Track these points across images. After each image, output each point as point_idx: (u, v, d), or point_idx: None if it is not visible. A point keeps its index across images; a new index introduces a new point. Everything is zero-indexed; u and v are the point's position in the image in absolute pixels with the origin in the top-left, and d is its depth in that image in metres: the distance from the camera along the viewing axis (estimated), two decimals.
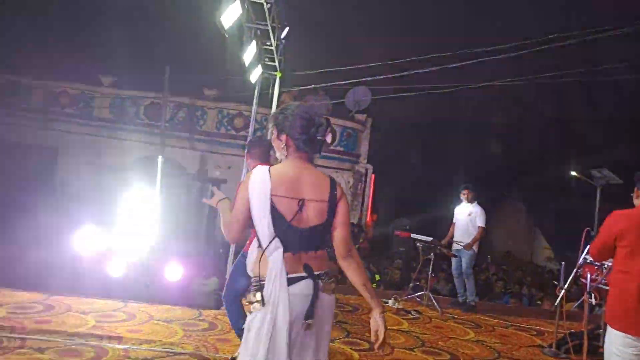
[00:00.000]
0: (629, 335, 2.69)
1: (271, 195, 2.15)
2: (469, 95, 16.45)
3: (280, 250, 2.14)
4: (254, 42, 6.35)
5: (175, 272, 8.01)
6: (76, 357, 3.57)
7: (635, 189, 2.88)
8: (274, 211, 2.14)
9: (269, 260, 2.14)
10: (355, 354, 4.47)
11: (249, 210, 2.19)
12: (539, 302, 9.30)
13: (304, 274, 2.17)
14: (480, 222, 6.99)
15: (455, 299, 7.33)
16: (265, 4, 5.64)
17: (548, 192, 18.32)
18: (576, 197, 17.33)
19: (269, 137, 2.37)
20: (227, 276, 5.45)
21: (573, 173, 13.14)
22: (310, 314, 2.15)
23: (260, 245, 2.18)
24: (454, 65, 7.62)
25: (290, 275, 2.14)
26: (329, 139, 2.35)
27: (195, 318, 5.09)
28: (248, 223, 2.22)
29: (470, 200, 7.12)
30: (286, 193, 2.18)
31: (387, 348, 2.32)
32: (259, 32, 6.45)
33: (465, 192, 7.16)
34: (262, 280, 2.14)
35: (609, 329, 2.83)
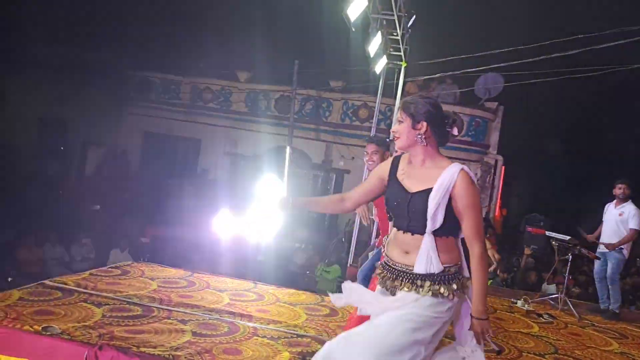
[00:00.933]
0: None
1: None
2: (620, 79, 14.63)
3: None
4: (379, 33, 6.37)
5: (300, 258, 8.47)
6: (213, 331, 3.94)
7: None
8: None
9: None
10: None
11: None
12: None
13: None
14: (634, 224, 6.20)
15: (596, 305, 6.64)
16: None
17: None
18: None
19: (395, 126, 2.36)
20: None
21: None
22: None
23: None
24: (603, 45, 6.80)
25: None
26: (455, 132, 2.29)
27: (318, 303, 5.29)
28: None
29: (624, 198, 6.35)
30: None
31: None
32: (384, 22, 6.45)
33: (621, 186, 6.37)
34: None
35: None
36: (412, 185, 2.30)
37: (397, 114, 8.22)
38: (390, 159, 2.50)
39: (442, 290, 2.24)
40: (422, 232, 2.25)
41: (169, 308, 4.33)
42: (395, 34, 6.65)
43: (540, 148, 18.12)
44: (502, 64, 7.92)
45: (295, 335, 4.11)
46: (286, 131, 13.10)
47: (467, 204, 2.18)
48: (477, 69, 8.58)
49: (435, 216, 2.19)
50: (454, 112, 2.34)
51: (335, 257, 8.99)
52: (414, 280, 2.27)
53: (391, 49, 7.29)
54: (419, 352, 2.21)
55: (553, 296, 6.63)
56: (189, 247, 8.76)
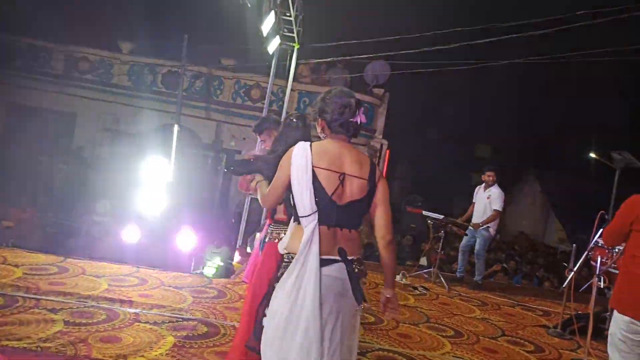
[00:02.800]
0: (636, 321, 2.69)
1: (313, 167, 2.21)
2: (491, 73, 16.12)
3: (316, 222, 2.18)
4: (272, 12, 6.30)
5: (187, 241, 8.22)
6: (88, 319, 3.69)
7: None
8: (316, 183, 2.20)
9: (305, 232, 2.17)
10: (360, 328, 4.53)
11: (288, 181, 2.26)
12: (547, 284, 9.29)
13: (337, 257, 2.21)
14: (497, 205, 6.93)
15: (454, 276, 7.34)
16: None
17: (565, 174, 18.05)
18: (594, 180, 17.07)
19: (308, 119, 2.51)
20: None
21: (592, 155, 12.87)
22: (359, 297, 2.22)
23: (296, 219, 2.25)
24: (478, 42, 7.42)
25: (324, 257, 2.17)
26: (359, 119, 2.36)
27: (205, 286, 5.20)
28: (284, 193, 2.34)
29: (491, 183, 7.05)
30: (328, 166, 2.24)
31: (393, 313, 2.38)
32: (278, 1, 6.38)
33: (490, 174, 7.06)
34: (293, 256, 2.21)
35: (615, 313, 2.83)
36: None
37: (288, 95, 8.16)
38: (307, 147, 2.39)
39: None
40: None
41: (37, 297, 3.97)
42: (288, 14, 6.63)
43: (421, 134, 19.42)
44: (390, 52, 8.29)
45: (180, 319, 4.01)
46: (174, 109, 12.50)
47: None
48: (367, 55, 8.89)
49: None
50: (357, 99, 2.37)
51: (224, 239, 8.87)
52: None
53: (285, 30, 7.26)
54: None
55: (427, 270, 7.20)
56: (62, 232, 8.07)
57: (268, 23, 6.45)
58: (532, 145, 18.20)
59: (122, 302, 4.19)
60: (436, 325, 5.00)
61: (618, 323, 2.78)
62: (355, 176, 2.25)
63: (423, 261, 9.12)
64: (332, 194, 2.20)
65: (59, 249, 6.11)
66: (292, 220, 2.31)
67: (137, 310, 4.03)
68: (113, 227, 7.90)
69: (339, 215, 2.21)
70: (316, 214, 2.18)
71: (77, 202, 10.07)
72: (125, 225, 7.85)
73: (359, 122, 2.34)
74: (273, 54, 8.10)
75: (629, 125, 17.40)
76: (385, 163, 13.68)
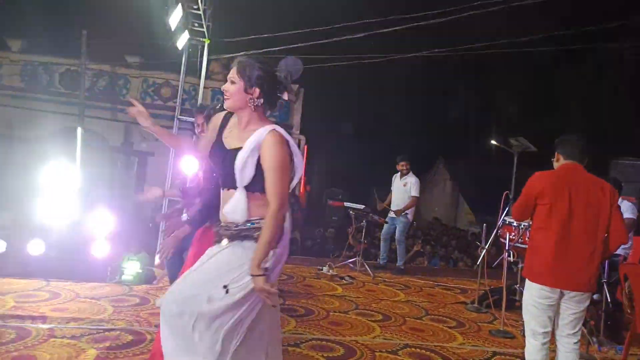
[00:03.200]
0: (545, 287, 2.93)
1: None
2: (399, 66, 16.83)
3: None
4: (179, 6, 6.06)
5: (101, 249, 7.70)
6: None
7: (556, 153, 3.10)
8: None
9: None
10: (293, 320, 4.54)
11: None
12: (462, 264, 9.89)
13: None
14: (414, 191, 7.24)
15: (377, 263, 7.58)
16: None
17: (471, 160, 19.33)
18: (495, 164, 18.46)
19: (227, 85, 2.27)
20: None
21: (493, 142, 13.87)
22: None
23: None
24: (384, 30, 7.68)
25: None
26: (286, 97, 2.36)
27: (125, 294, 4.92)
28: None
29: (406, 172, 7.35)
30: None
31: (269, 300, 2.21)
32: None
33: (403, 164, 7.36)
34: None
35: (527, 282, 3.06)
36: (231, 143, 2.30)
37: (202, 94, 7.86)
38: (222, 113, 2.43)
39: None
40: (236, 187, 2.25)
41: None
42: (196, 7, 6.41)
43: (336, 128, 19.82)
44: (301, 44, 8.32)
45: (101, 330, 3.75)
46: (75, 110, 11.65)
47: (269, 166, 2.18)
48: (279, 48, 8.86)
49: (243, 172, 2.20)
50: (285, 76, 2.34)
51: (141, 244, 8.43)
52: (221, 234, 2.31)
53: (194, 24, 7.02)
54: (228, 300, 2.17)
55: (352, 260, 7.37)
56: None
57: (175, 17, 6.20)
58: (440, 135, 19.27)
59: (33, 318, 3.84)
60: (365, 311, 5.13)
61: (530, 290, 3.02)
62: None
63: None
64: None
65: None
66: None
67: (52, 326, 3.71)
68: (16, 241, 7.18)
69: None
70: None
71: None
72: (30, 238, 7.18)
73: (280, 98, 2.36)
74: (183, 49, 7.82)
75: (522, 113, 18.99)
76: (304, 158, 13.78)
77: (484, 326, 5.00)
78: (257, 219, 2.23)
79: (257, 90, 2.23)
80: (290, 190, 2.27)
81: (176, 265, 3.71)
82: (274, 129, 2.21)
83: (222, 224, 2.32)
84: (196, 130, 3.85)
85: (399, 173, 7.43)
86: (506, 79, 19.39)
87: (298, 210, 12.93)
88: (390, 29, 8.09)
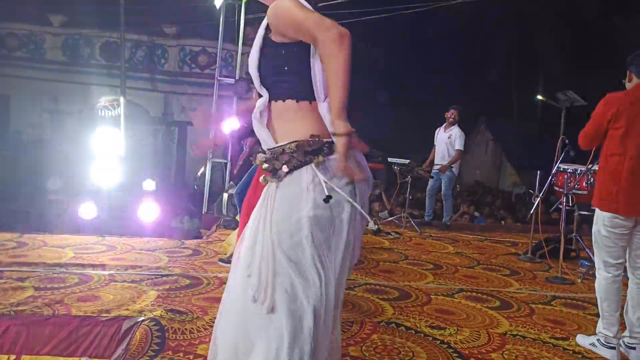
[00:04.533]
0: (618, 216, 2.76)
1: None
2: (437, 20, 16.27)
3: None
4: None
5: (150, 212, 7.89)
6: (59, 284, 3.46)
7: (628, 72, 2.86)
8: None
9: (324, 111, 1.65)
10: None
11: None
12: (509, 221, 9.65)
13: None
14: (459, 145, 7.02)
15: (422, 220, 7.42)
16: None
17: (514, 119, 18.68)
18: (540, 121, 17.78)
19: None
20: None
21: (539, 97, 13.34)
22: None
23: (311, 98, 1.68)
24: None
25: None
26: None
27: (178, 247, 5.01)
28: None
29: (453, 123, 7.11)
30: None
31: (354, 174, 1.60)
32: None
33: (453, 112, 7.12)
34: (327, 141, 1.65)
35: (597, 211, 2.90)
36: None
37: (240, 59, 7.77)
38: None
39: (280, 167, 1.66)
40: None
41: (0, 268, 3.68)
42: None
43: (372, 95, 19.48)
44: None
45: (159, 276, 3.83)
46: (117, 82, 11.81)
47: (283, 17, 1.61)
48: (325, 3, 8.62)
49: (251, 64, 1.73)
50: None
51: (187, 209, 8.62)
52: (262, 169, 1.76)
53: None
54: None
55: (397, 216, 7.27)
56: (14, 212, 7.56)
57: None
58: (481, 95, 18.64)
59: (93, 266, 3.96)
60: (415, 261, 5.06)
61: (602, 220, 2.85)
62: None
63: (384, 214, 9.14)
64: None
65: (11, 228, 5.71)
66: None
67: (112, 272, 3.82)
68: (68, 204, 7.45)
69: None
70: None
71: (24, 186, 9.46)
72: (81, 201, 7.42)
73: None
74: (220, 9, 7.73)
75: (567, 69, 18.10)
76: None
77: (539, 274, 4.85)
78: (292, 142, 1.66)
79: None
80: None
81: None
82: None
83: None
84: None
85: (444, 125, 7.20)
86: (549, 33, 18.48)
87: None
88: None
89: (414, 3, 9.24)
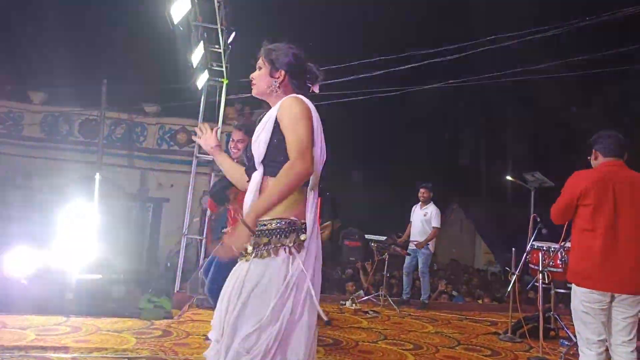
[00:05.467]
0: (594, 291, 2.78)
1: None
2: (409, 106, 17.11)
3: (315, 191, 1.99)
4: (201, 44, 6.23)
5: (119, 291, 7.61)
6: None
7: (593, 150, 3.02)
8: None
9: (309, 200, 1.94)
10: (321, 349, 4.35)
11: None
12: (486, 300, 9.57)
13: None
14: (435, 222, 7.11)
15: (401, 299, 7.32)
16: (215, 2, 5.54)
17: (487, 199, 19.16)
18: (511, 201, 18.29)
19: (254, 73, 2.12)
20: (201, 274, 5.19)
21: (509, 177, 13.80)
22: None
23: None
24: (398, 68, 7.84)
25: None
26: (316, 89, 2.19)
27: (147, 327, 4.77)
28: None
29: (426, 201, 7.25)
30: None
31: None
32: (205, 34, 6.35)
33: (422, 191, 7.28)
34: (303, 224, 1.90)
35: (574, 287, 2.92)
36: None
37: (219, 135, 7.92)
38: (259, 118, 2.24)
39: (265, 242, 1.88)
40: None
41: None
42: (217, 46, 6.60)
43: (348, 175, 19.87)
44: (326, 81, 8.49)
45: (126, 359, 3.61)
46: (93, 158, 11.85)
47: (286, 123, 1.92)
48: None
49: (257, 145, 1.98)
50: (317, 67, 2.16)
51: (158, 287, 8.33)
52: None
53: (213, 64, 7.20)
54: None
55: (375, 294, 7.15)
56: None
57: (197, 55, 6.37)
58: (454, 176, 19.21)
59: (55, 349, 3.72)
60: (394, 341, 4.92)
61: (579, 296, 2.87)
62: None
63: (360, 293, 8.98)
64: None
65: None
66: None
67: (75, 355, 3.59)
68: (33, 284, 7.10)
69: None
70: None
71: None
72: (50, 283, 7.11)
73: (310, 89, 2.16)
74: (201, 90, 7.98)
75: (533, 150, 19.00)
76: (319, 200, 13.72)
77: (520, 354, 4.76)
78: (275, 219, 1.89)
79: (283, 73, 2.07)
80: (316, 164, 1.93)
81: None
82: (293, 95, 2.00)
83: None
84: (229, 146, 3.86)
85: (419, 203, 7.33)
86: (515, 119, 19.58)
87: None
88: (404, 67, 8.25)
89: (387, 87, 9.76)
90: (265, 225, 1.90)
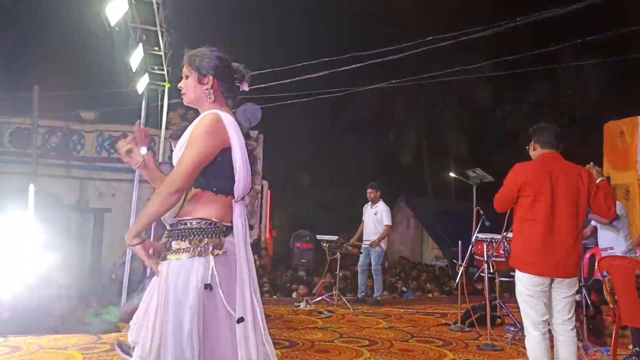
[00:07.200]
0: (535, 276, 2.94)
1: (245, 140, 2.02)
2: (354, 106, 17.39)
3: (243, 202, 2.02)
4: (140, 46, 6.02)
5: (60, 307, 7.18)
6: None
7: (532, 141, 3.19)
8: (250, 156, 2.03)
9: (235, 209, 1.98)
10: (278, 352, 4.31)
11: (212, 157, 1.95)
12: (436, 294, 9.86)
13: None
14: (387, 220, 7.23)
15: (356, 297, 7.40)
16: (154, 3, 5.38)
17: (431, 196, 19.75)
18: (454, 198, 18.97)
19: (182, 82, 2.11)
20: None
21: (452, 174, 14.32)
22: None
23: (226, 193, 1.98)
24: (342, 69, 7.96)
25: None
26: (245, 87, 2.17)
27: (94, 342, 4.57)
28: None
29: (375, 200, 7.36)
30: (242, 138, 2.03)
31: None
32: (144, 36, 6.14)
33: (369, 191, 7.38)
34: (224, 225, 1.96)
35: (518, 273, 3.06)
36: None
37: (163, 142, 7.78)
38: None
39: (176, 245, 1.92)
40: None
41: None
42: (157, 49, 6.40)
43: (297, 176, 19.91)
44: (262, 85, 8.44)
45: None
46: (27, 169, 11.17)
47: (189, 142, 1.95)
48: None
49: (176, 159, 2.01)
50: (243, 66, 2.15)
51: (103, 299, 7.95)
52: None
53: (154, 67, 6.98)
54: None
55: (329, 294, 7.19)
56: None
57: (136, 58, 6.15)
58: (399, 174, 19.67)
59: None
60: (350, 338, 4.97)
61: (522, 280, 3.01)
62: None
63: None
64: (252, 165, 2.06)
65: None
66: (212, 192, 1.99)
67: None
68: None
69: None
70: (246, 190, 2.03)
71: None
72: None
73: (239, 89, 2.14)
74: (142, 95, 7.72)
75: (472, 149, 19.80)
76: (268, 203, 13.66)
77: (470, 342, 4.93)
78: (196, 219, 1.94)
79: (211, 78, 2.05)
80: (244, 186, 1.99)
81: None
82: (211, 112, 1.99)
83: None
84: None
85: (370, 203, 7.43)
86: (454, 116, 20.35)
87: (266, 257, 12.68)
88: (347, 67, 8.37)
89: (331, 88, 9.86)
90: (185, 224, 1.94)
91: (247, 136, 2.07)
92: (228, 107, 2.11)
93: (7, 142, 12.11)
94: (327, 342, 4.76)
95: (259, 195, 13.31)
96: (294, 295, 9.11)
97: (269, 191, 13.55)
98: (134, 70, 6.28)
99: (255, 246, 12.60)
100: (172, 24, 6.44)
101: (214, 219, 1.94)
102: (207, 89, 2.05)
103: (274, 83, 8.84)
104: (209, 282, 1.86)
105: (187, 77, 2.10)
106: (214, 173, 1.96)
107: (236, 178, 1.96)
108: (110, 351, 4.21)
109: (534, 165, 3.11)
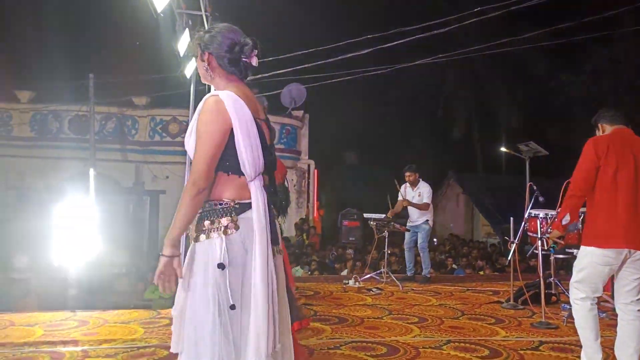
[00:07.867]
0: (609, 253, 2.82)
1: (255, 118, 1.97)
2: (401, 81, 17.06)
3: (261, 179, 2.00)
4: (187, 31, 6.13)
5: (122, 285, 7.64)
6: None
7: (599, 125, 3.06)
8: (262, 136, 1.99)
9: (252, 187, 1.96)
10: (327, 327, 4.41)
11: (224, 143, 1.93)
12: (487, 271, 9.68)
13: None
14: (426, 199, 7.13)
15: (405, 275, 7.37)
16: None
17: (482, 171, 19.25)
18: (506, 173, 18.39)
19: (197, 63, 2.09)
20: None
21: (503, 149, 13.86)
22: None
23: (240, 174, 1.96)
24: (388, 45, 7.80)
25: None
26: (254, 62, 2.05)
27: (154, 317, 4.81)
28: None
29: (414, 182, 7.24)
30: (258, 115, 2.02)
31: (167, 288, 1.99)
32: (190, 21, 6.24)
33: (408, 174, 7.25)
34: (238, 203, 1.95)
35: (587, 249, 2.93)
36: None
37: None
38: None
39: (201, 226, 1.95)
40: None
41: None
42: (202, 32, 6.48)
43: (343, 154, 19.90)
44: (307, 65, 8.43)
45: (135, 348, 3.64)
46: (86, 155, 11.76)
47: (198, 133, 1.93)
48: (284, 70, 8.96)
49: (189, 148, 1.99)
50: (253, 39, 2.03)
51: None
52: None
53: None
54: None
55: (377, 272, 7.21)
56: None
57: (183, 42, 6.27)
58: (448, 151, 19.26)
59: (64, 343, 3.75)
60: (399, 315, 4.98)
61: (591, 257, 2.90)
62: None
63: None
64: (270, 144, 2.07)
65: None
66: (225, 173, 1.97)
67: (85, 348, 3.61)
68: (35, 282, 7.11)
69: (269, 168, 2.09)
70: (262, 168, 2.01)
71: None
72: (49, 279, 7.12)
73: (249, 64, 2.03)
74: (190, 78, 7.89)
75: (525, 121, 19.04)
76: (315, 183, 13.75)
77: (524, 320, 4.83)
78: (217, 201, 1.95)
79: (207, 54, 1.99)
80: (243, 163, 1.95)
81: None
82: (212, 96, 1.94)
83: None
84: None
85: (408, 184, 7.30)
86: (505, 88, 19.58)
87: (315, 235, 12.81)
88: (392, 43, 8.19)
89: (376, 65, 9.71)
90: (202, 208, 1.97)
91: (259, 112, 2.03)
92: (238, 82, 2.04)
93: (67, 129, 12.76)
94: (376, 319, 4.80)
95: (306, 175, 13.42)
96: (345, 272, 9.20)
97: (315, 170, 13.62)
98: (181, 55, 6.40)
99: (303, 224, 12.76)
100: (216, 8, 6.50)
101: (224, 199, 1.95)
102: (205, 67, 2.02)
103: (320, 62, 8.78)
104: (221, 261, 1.88)
105: (197, 54, 2.07)
106: (224, 156, 1.94)
107: (240, 159, 1.94)
108: (169, 325, 4.42)
109: (612, 136, 2.97)
